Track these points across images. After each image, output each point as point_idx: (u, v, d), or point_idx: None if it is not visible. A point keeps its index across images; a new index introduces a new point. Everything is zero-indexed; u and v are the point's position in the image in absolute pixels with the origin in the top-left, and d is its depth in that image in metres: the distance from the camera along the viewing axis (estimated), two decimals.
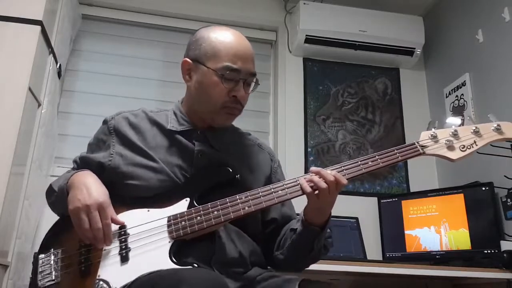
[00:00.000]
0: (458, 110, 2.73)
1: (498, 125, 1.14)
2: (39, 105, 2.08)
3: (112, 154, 1.20)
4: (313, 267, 2.07)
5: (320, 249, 1.18)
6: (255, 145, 1.34)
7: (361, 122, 2.97)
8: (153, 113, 1.28)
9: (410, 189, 2.85)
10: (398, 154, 1.14)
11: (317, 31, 2.84)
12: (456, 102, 2.76)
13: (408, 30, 2.94)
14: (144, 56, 2.90)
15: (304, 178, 1.10)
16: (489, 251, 2.20)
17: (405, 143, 2.91)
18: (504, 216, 2.27)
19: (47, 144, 2.20)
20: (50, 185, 1.24)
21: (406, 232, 2.51)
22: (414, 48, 2.95)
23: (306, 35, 2.84)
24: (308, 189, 1.08)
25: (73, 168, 1.29)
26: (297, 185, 1.10)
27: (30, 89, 1.87)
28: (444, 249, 2.36)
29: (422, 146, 1.14)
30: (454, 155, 1.13)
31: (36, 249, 1.16)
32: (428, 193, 2.52)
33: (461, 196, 2.37)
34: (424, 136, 1.16)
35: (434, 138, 1.14)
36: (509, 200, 2.24)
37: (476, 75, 2.65)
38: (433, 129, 1.16)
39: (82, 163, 1.26)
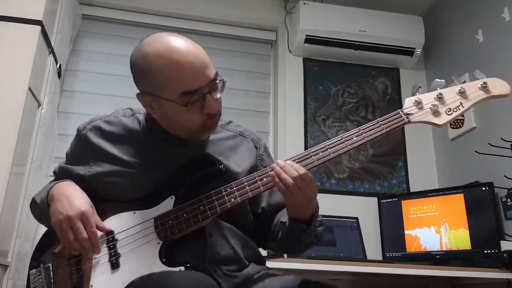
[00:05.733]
0: None
1: (485, 82, 1.06)
2: (39, 105, 2.08)
3: (91, 165, 1.16)
4: (313, 267, 2.07)
5: (310, 241, 1.16)
6: (237, 135, 1.27)
7: (361, 122, 2.97)
8: (126, 118, 1.22)
9: (410, 189, 2.84)
10: (382, 126, 1.07)
11: (317, 31, 2.84)
12: None
13: (408, 30, 2.94)
14: None
15: (269, 174, 1.05)
16: (489, 251, 2.20)
17: (405, 143, 2.96)
18: (504, 216, 2.27)
19: (47, 144, 2.21)
20: (33, 198, 1.22)
21: (406, 232, 2.51)
22: (414, 48, 2.95)
23: (306, 35, 2.84)
24: (282, 186, 1.03)
25: (55, 179, 1.25)
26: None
27: (30, 89, 1.87)
28: (444, 249, 2.36)
29: (407, 114, 1.08)
30: (440, 120, 1.06)
31: None
32: (428, 193, 2.52)
33: (461, 196, 2.37)
34: (409, 103, 1.09)
35: (419, 104, 1.08)
36: (509, 200, 2.24)
37: (476, 75, 2.65)
38: (417, 94, 1.10)
39: (61, 174, 1.22)
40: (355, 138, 1.07)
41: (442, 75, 2.96)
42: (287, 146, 2.78)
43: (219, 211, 1.06)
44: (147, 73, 1.08)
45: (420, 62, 3.13)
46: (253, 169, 1.19)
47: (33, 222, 2.08)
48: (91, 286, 1.03)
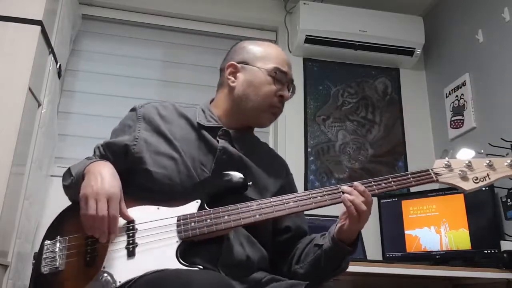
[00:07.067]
0: (458, 110, 2.74)
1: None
2: (39, 105, 2.08)
3: (137, 138, 1.21)
4: None
5: (343, 269, 1.19)
6: (271, 154, 1.38)
7: (361, 122, 2.97)
8: (182, 107, 1.31)
9: (410, 189, 2.84)
10: (412, 179, 1.17)
11: (317, 31, 2.84)
12: (456, 102, 2.76)
13: (408, 30, 2.94)
14: (144, 56, 2.90)
15: (346, 196, 1.11)
16: (489, 251, 2.20)
17: (405, 143, 2.96)
18: (504, 216, 2.27)
19: (47, 144, 2.20)
20: (69, 168, 1.25)
21: (406, 232, 2.51)
22: (414, 48, 2.96)
23: (306, 35, 2.84)
24: (354, 213, 1.09)
25: (94, 155, 1.29)
26: (309, 198, 1.11)
27: (30, 89, 1.87)
28: (444, 249, 2.36)
29: (436, 173, 1.17)
30: (467, 186, 1.15)
31: (36, 249, 1.14)
32: (428, 193, 2.52)
33: (461, 196, 2.37)
34: (439, 164, 1.18)
35: (448, 167, 1.17)
36: (509, 200, 2.24)
37: (476, 75, 2.65)
38: (446, 158, 1.19)
39: (105, 150, 1.26)
40: (383, 184, 1.16)
41: (442, 75, 2.96)
42: (287, 146, 2.78)
43: (242, 223, 1.09)
44: (252, 47, 1.31)
45: (420, 62, 3.13)
46: (280, 189, 1.26)
47: (33, 222, 2.08)
48: (104, 268, 1.04)
